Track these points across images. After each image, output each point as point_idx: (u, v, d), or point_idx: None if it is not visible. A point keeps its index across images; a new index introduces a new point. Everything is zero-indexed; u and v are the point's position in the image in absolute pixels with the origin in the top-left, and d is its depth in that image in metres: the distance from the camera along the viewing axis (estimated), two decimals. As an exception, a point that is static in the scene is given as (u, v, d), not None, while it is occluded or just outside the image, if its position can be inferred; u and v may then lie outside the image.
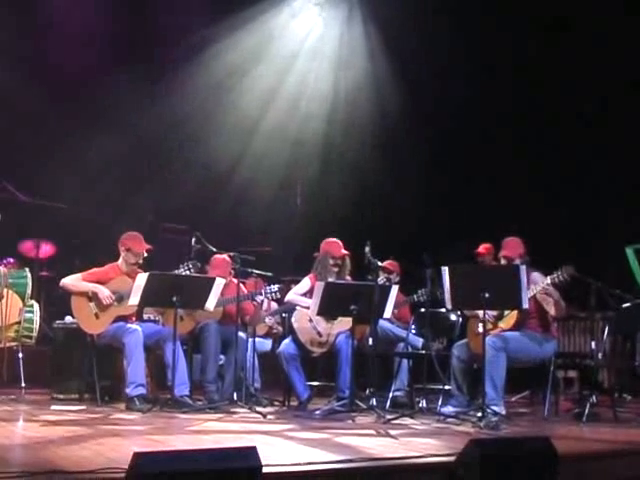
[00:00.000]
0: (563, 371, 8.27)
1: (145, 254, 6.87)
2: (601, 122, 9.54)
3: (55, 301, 8.59)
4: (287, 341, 6.94)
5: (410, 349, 7.33)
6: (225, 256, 7.28)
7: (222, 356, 7.11)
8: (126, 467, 3.22)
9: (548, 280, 6.13)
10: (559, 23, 9.68)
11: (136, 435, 5.13)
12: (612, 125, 9.49)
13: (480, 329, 6.19)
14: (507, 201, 9.84)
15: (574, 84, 9.64)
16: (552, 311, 6.32)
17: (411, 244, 8.43)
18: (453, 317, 7.46)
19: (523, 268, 5.92)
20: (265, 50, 11.02)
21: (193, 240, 7.24)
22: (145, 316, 7.25)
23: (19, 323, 7.07)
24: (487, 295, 5.82)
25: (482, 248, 7.91)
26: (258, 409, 6.36)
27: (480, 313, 6.17)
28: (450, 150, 10.48)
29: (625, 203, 9.26)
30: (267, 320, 7.80)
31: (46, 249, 9.50)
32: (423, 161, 10.49)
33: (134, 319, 6.86)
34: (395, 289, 6.60)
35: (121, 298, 6.66)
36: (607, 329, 7.53)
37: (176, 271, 6.72)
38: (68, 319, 7.25)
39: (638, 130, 9.31)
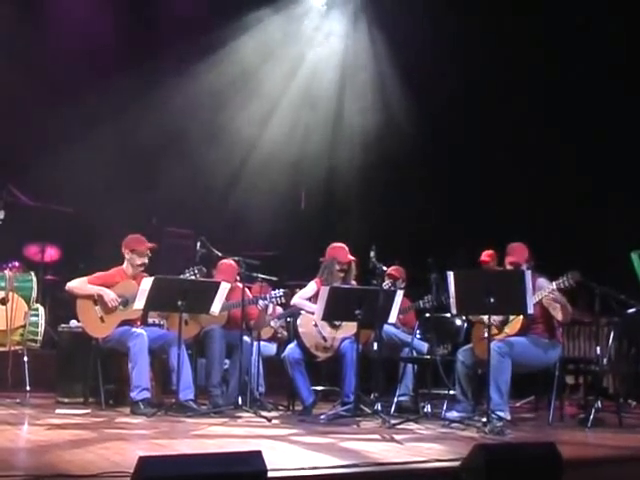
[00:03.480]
0: (574, 376, 8.26)
1: (149, 253, 6.88)
2: (601, 124, 9.53)
3: (60, 305, 8.59)
4: (292, 345, 6.92)
5: (415, 354, 7.33)
6: (231, 261, 7.29)
7: (227, 360, 7.12)
8: (131, 471, 3.22)
9: (554, 285, 6.11)
10: (572, 31, 9.68)
11: (141, 439, 5.14)
12: (612, 126, 9.48)
13: (485, 334, 6.18)
14: (509, 206, 9.83)
15: (575, 89, 9.64)
16: (559, 316, 6.27)
17: (416, 250, 8.41)
18: (458, 322, 7.46)
19: (528, 273, 5.92)
20: (269, 56, 11.01)
21: (198, 244, 7.26)
22: (150, 320, 7.24)
23: (24, 327, 7.06)
24: (492, 300, 5.82)
25: (485, 256, 7.89)
26: (263, 413, 6.36)
27: (485, 318, 6.15)
28: (454, 156, 10.48)
29: (626, 205, 9.26)
30: (272, 323, 7.80)
31: (51, 253, 9.51)
32: (429, 166, 10.48)
33: (139, 323, 6.86)
34: (400, 294, 6.58)
35: (126, 302, 6.66)
36: (612, 334, 7.52)
37: (181, 276, 6.74)
38: (73, 323, 7.26)
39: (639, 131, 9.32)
